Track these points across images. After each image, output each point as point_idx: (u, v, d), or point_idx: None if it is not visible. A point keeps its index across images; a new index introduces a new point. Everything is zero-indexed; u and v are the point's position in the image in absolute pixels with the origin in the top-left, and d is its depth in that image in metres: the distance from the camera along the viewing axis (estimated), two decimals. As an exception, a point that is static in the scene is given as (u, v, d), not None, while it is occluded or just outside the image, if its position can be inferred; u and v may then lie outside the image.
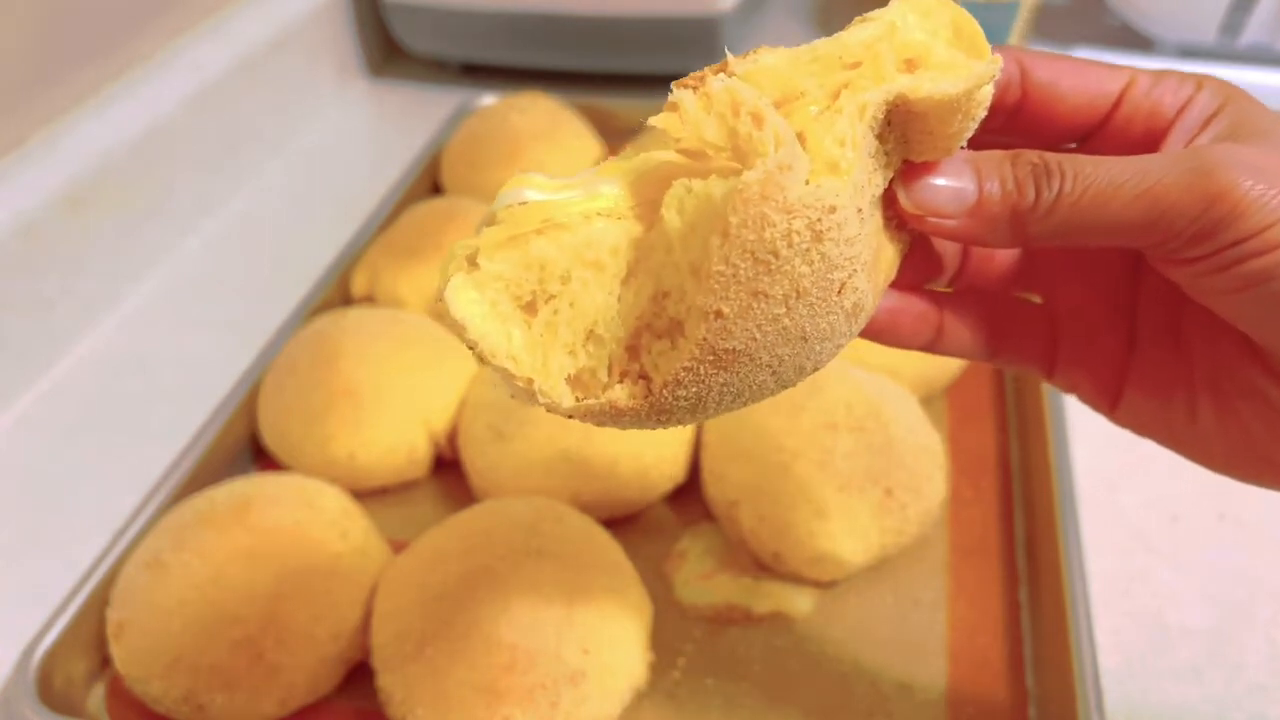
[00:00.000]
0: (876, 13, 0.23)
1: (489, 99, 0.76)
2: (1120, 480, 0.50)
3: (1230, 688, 0.41)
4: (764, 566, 0.46)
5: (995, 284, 0.30)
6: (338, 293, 0.60)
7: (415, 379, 0.51)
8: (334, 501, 0.45)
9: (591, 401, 0.23)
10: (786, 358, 0.22)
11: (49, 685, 0.40)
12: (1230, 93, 0.25)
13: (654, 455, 0.47)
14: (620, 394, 0.23)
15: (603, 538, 0.44)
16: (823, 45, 0.23)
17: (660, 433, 0.48)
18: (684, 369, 0.22)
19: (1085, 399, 0.29)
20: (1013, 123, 0.26)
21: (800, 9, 0.98)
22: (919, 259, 0.29)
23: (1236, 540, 0.47)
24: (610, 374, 0.23)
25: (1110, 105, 0.25)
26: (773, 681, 0.42)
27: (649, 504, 0.49)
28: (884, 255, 0.25)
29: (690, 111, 0.22)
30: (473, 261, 0.23)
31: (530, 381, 0.23)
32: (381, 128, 0.85)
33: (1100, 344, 0.29)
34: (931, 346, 0.29)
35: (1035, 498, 0.47)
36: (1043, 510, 0.45)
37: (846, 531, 0.43)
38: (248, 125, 0.75)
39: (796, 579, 0.45)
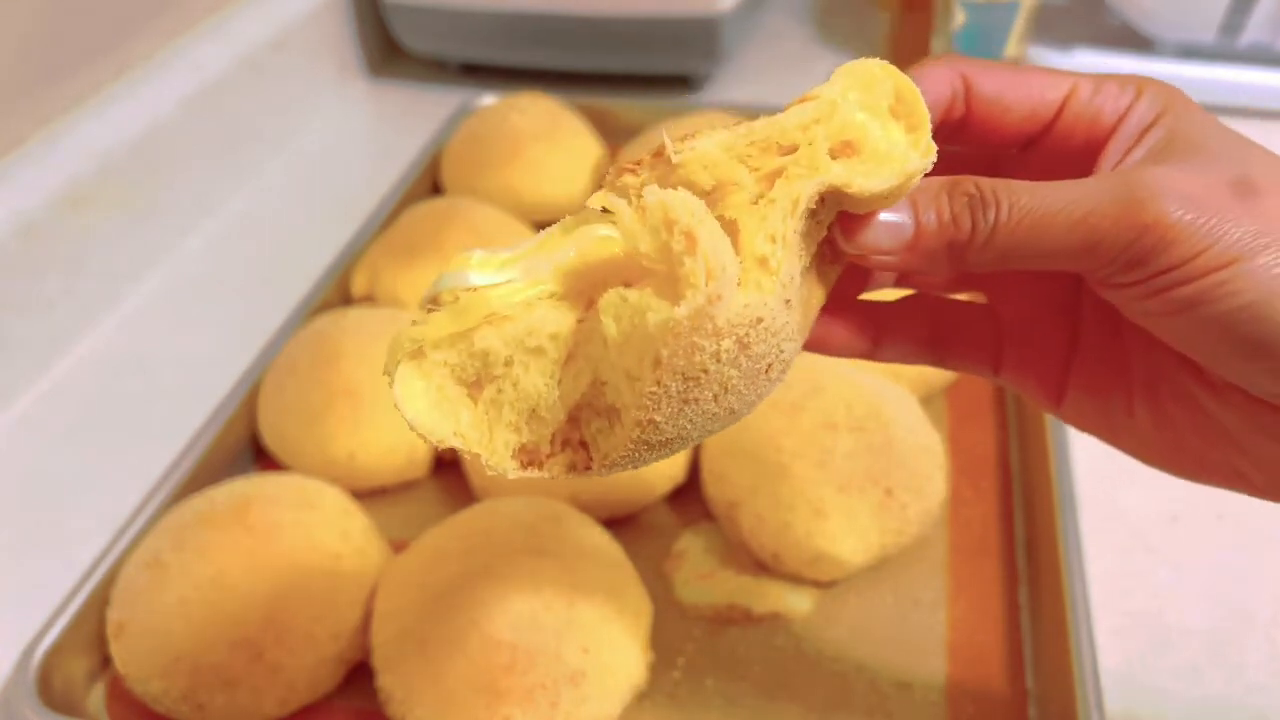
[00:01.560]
0: (818, 90, 0.23)
1: (489, 99, 0.76)
2: (1120, 480, 0.50)
3: (1230, 688, 0.41)
4: (764, 566, 0.46)
5: (940, 287, 0.30)
6: (338, 293, 0.60)
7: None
8: (334, 501, 0.45)
9: (535, 473, 0.25)
10: (718, 428, 0.25)
11: (49, 685, 0.40)
12: (1168, 100, 0.25)
13: (654, 455, 0.47)
14: (560, 468, 0.25)
15: (603, 538, 0.44)
16: (760, 128, 0.23)
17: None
18: (621, 455, 0.24)
19: (1030, 397, 0.30)
20: (958, 134, 0.27)
21: (800, 9, 0.98)
22: (857, 274, 0.29)
23: (1236, 540, 0.47)
24: (553, 445, 0.25)
25: (1052, 115, 0.26)
26: (773, 681, 0.42)
27: (649, 504, 0.49)
28: (814, 297, 0.26)
29: (626, 223, 0.22)
30: (418, 353, 0.24)
31: (478, 455, 0.24)
32: (381, 128, 0.85)
33: (1044, 346, 0.29)
34: (871, 355, 0.29)
35: (1035, 498, 0.47)
36: (1043, 510, 0.45)
37: (846, 531, 0.43)
38: (248, 125, 0.76)
39: (796, 579, 0.45)
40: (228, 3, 0.75)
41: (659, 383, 0.22)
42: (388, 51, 0.92)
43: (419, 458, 0.51)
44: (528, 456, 0.25)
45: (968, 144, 0.27)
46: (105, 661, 0.43)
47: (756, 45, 0.91)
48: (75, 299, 0.61)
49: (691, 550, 0.47)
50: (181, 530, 0.43)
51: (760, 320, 0.22)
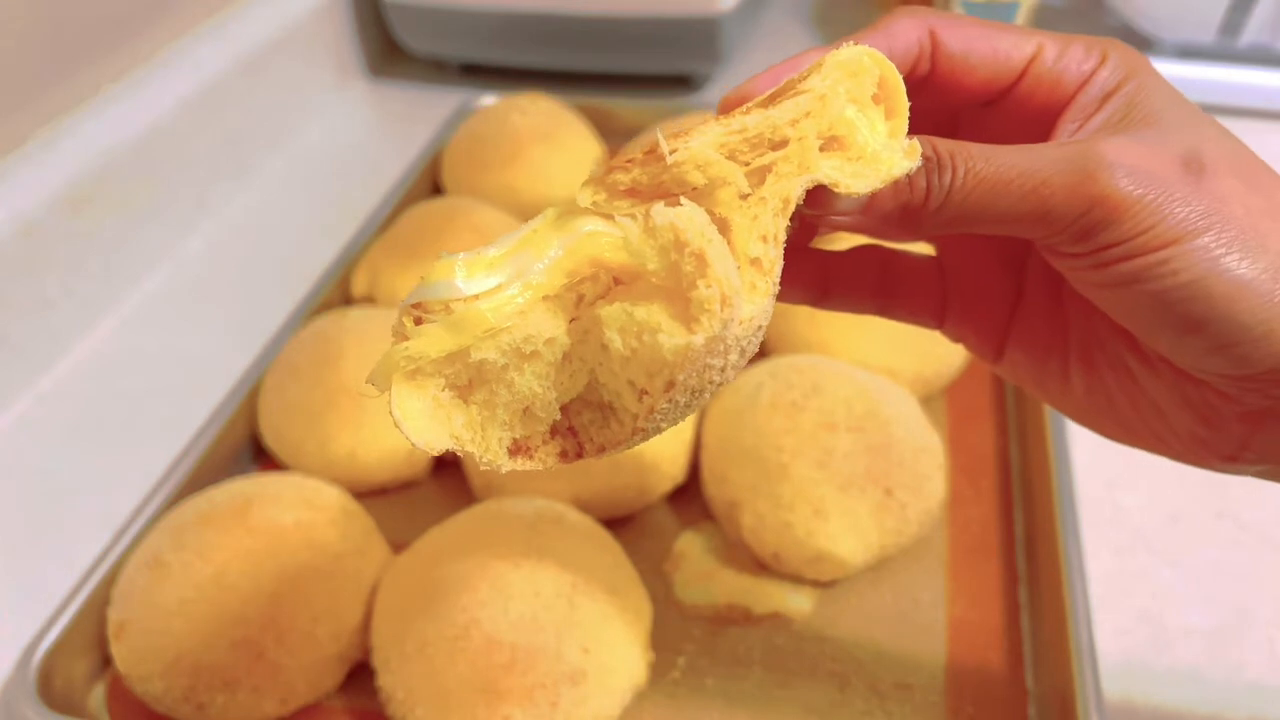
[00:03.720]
0: (809, 80, 0.23)
1: (489, 99, 0.76)
2: (1120, 480, 0.50)
3: (1230, 688, 0.41)
4: (764, 566, 0.46)
5: (891, 238, 0.31)
6: (338, 293, 0.60)
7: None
8: (334, 501, 0.45)
9: (526, 463, 0.25)
10: (697, 409, 0.25)
11: (50, 685, 0.40)
12: (1132, 67, 0.25)
13: (654, 455, 0.47)
14: (552, 457, 0.25)
15: (603, 538, 0.44)
16: (753, 125, 0.23)
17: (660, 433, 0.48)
18: (615, 448, 0.24)
19: (970, 349, 0.31)
20: (921, 90, 0.27)
21: (800, 9, 0.98)
22: (806, 223, 0.29)
23: (1236, 540, 0.47)
24: (544, 437, 0.25)
25: (1016, 76, 0.26)
26: (773, 682, 0.42)
27: (649, 504, 0.49)
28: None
29: (633, 241, 0.23)
30: (416, 371, 0.24)
31: (471, 454, 0.25)
32: (381, 128, 0.85)
33: (989, 301, 0.30)
34: (818, 303, 0.30)
35: (1035, 498, 0.47)
36: (1043, 510, 0.45)
37: (846, 531, 0.43)
38: (248, 125, 0.76)
39: (796, 579, 0.45)
40: (228, 3, 0.75)
41: (670, 399, 0.22)
42: (388, 51, 0.92)
43: (419, 458, 0.51)
44: (519, 448, 0.25)
45: (931, 99, 0.27)
46: (106, 661, 0.43)
47: (756, 45, 0.91)
48: (75, 299, 0.61)
49: (691, 550, 0.47)
50: (182, 530, 0.43)
51: (760, 327, 0.23)
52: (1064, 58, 0.26)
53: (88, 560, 0.44)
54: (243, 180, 0.75)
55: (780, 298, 0.28)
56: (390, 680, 0.40)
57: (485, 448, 0.25)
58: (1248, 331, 0.22)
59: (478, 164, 0.68)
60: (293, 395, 0.51)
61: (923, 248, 0.32)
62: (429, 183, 0.72)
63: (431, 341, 0.23)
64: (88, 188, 0.60)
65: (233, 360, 0.56)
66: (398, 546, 0.46)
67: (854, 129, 0.23)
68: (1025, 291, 0.30)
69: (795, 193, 0.23)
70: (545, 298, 0.24)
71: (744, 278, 0.23)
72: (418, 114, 0.82)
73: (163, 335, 0.63)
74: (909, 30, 0.26)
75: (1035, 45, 0.26)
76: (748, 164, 0.23)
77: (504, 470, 0.25)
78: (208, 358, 0.59)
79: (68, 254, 0.60)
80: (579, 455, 0.25)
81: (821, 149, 0.23)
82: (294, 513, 0.43)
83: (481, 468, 0.25)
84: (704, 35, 0.77)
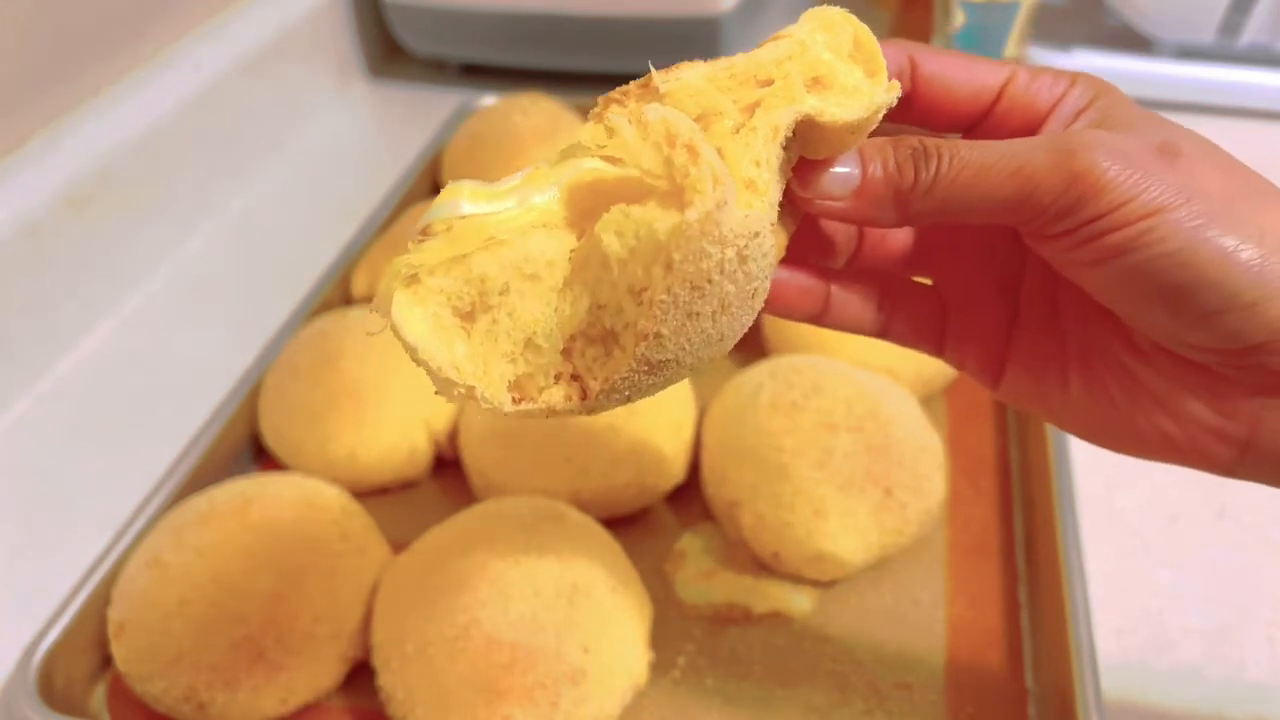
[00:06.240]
0: (788, 30, 0.25)
1: (489, 99, 0.76)
2: (1119, 480, 0.50)
3: (1230, 688, 0.41)
4: (764, 566, 0.46)
5: (889, 265, 0.32)
6: (338, 293, 0.60)
7: (416, 378, 0.51)
8: (334, 501, 0.45)
9: (530, 406, 0.25)
10: (705, 356, 0.25)
11: (50, 685, 0.40)
12: (1100, 88, 0.27)
13: (654, 455, 0.47)
14: (557, 398, 0.25)
15: (603, 538, 0.44)
16: (740, 62, 0.25)
17: (660, 433, 0.48)
18: (621, 379, 0.24)
19: (970, 374, 0.31)
20: (903, 113, 0.28)
21: (800, 9, 0.98)
22: (813, 242, 0.30)
23: (1236, 540, 0.47)
24: (547, 378, 0.25)
25: (992, 98, 0.28)
26: (772, 681, 0.42)
27: (649, 504, 0.49)
28: (779, 241, 0.27)
29: (627, 140, 0.23)
30: (413, 279, 0.24)
31: (472, 389, 0.24)
32: (381, 128, 0.85)
33: (985, 325, 0.31)
34: (819, 319, 0.31)
35: (1035, 498, 0.47)
36: (1042, 510, 0.45)
37: (846, 531, 0.43)
38: (248, 125, 0.76)
39: (796, 578, 0.45)
40: (228, 4, 0.75)
41: (669, 290, 0.22)
42: (388, 52, 0.92)
43: (419, 457, 0.51)
44: (521, 388, 0.25)
45: (913, 124, 0.29)
46: (106, 661, 0.43)
47: (756, 45, 0.91)
48: (76, 299, 0.61)
49: (691, 550, 0.47)
50: (182, 530, 0.43)
51: (757, 234, 0.23)
52: (1035, 82, 0.27)
53: (88, 560, 0.44)
54: (243, 180, 0.75)
55: (781, 314, 0.30)
56: (390, 680, 0.40)
57: (487, 383, 0.24)
58: (1236, 298, 0.23)
59: (478, 164, 0.68)
60: (293, 395, 0.51)
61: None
62: (429, 183, 0.72)
63: (432, 252, 0.24)
64: (88, 188, 0.60)
65: (233, 360, 0.56)
66: (398, 546, 0.46)
67: (834, 69, 0.25)
68: (1020, 314, 0.30)
69: (784, 120, 0.24)
70: (546, 225, 0.24)
71: (739, 197, 0.23)
72: (418, 114, 0.82)
73: (163, 335, 0.63)
74: (889, 54, 0.27)
75: (1009, 71, 0.28)
76: (736, 101, 0.24)
77: (506, 412, 0.24)
78: (208, 358, 0.59)
79: (69, 254, 0.60)
80: (583, 398, 0.25)
81: (806, 89, 0.24)
82: (294, 513, 0.43)
83: (484, 407, 0.24)
84: (704, 35, 0.77)
